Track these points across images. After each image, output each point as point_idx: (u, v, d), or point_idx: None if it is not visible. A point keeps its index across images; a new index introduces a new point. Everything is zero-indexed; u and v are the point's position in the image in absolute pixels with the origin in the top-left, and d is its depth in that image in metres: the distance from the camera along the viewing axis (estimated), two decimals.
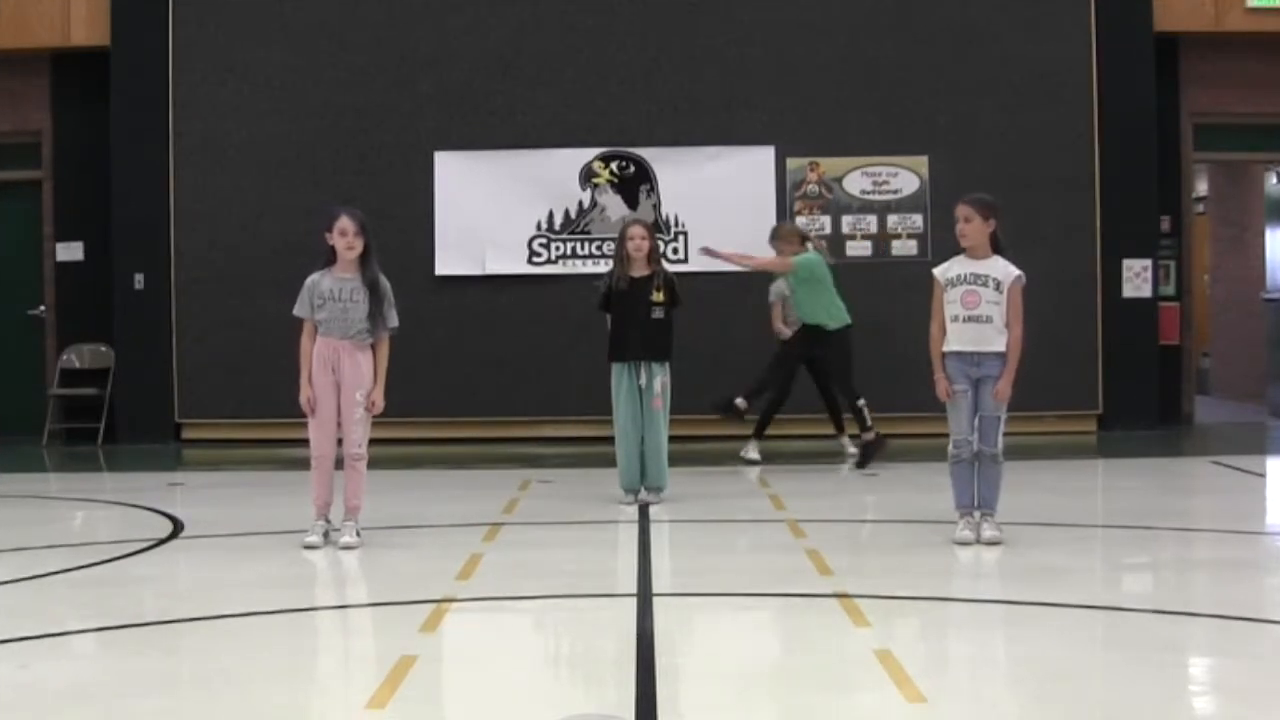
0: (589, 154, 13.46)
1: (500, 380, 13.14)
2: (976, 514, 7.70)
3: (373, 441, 12.05)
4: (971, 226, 7.61)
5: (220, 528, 8.74)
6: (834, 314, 11.19)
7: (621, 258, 9.45)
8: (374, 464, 11.38)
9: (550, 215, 13.48)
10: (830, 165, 13.47)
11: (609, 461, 9.72)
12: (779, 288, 11.97)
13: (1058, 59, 13.33)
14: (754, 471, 10.97)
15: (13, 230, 14.34)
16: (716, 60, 13.44)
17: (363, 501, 7.99)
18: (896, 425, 13.00)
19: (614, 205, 13.43)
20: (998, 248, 7.69)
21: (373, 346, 8.12)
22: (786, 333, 11.86)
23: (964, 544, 7.57)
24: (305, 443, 13.52)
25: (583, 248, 13.44)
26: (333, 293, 8.04)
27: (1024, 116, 13.31)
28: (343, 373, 8.04)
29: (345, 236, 8.05)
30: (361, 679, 5.10)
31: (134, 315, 13.59)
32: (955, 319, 7.61)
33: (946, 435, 7.72)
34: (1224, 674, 5.29)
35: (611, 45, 13.49)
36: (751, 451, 11.53)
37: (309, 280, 8.18)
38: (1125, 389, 13.36)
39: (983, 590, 6.94)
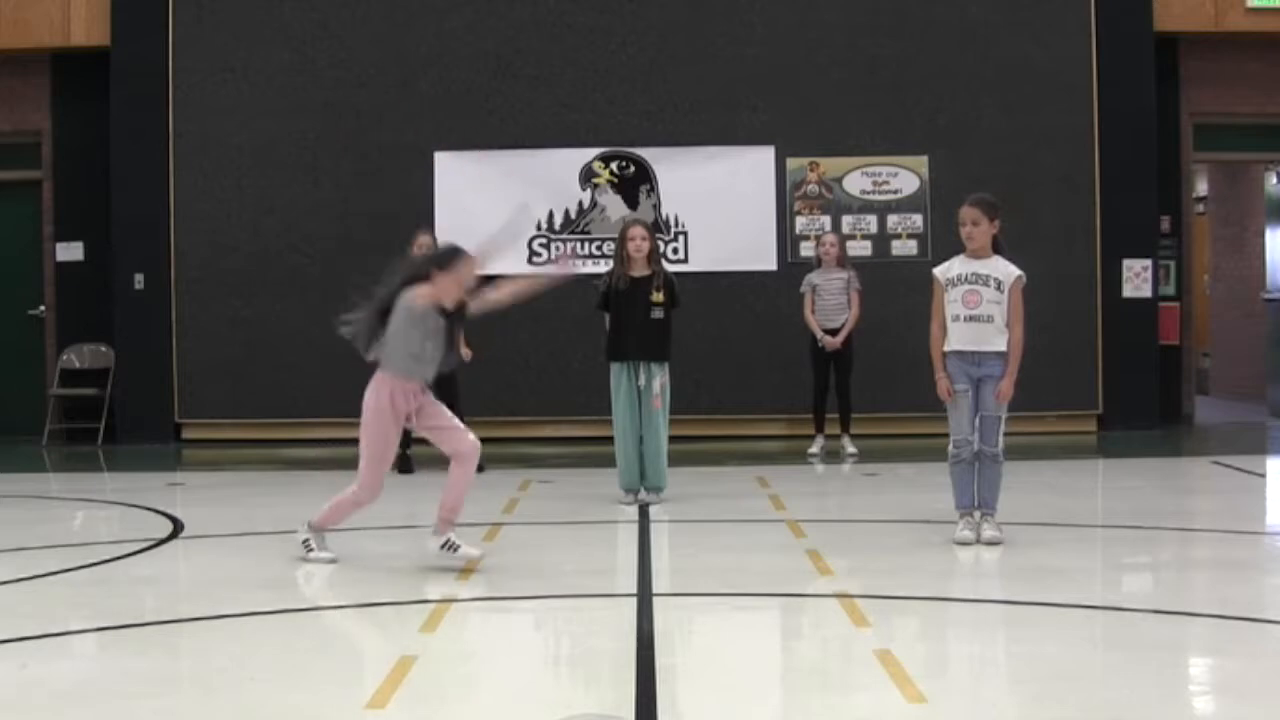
0: (589, 154, 13.47)
1: (500, 380, 13.14)
2: (977, 514, 7.70)
3: None
4: (979, 229, 7.61)
5: (220, 528, 8.74)
6: None
7: (622, 258, 9.46)
8: None
9: (550, 215, 13.48)
10: (830, 165, 13.47)
11: (609, 461, 9.72)
12: (811, 278, 11.94)
13: (1058, 59, 13.33)
14: (754, 471, 10.97)
15: (13, 230, 14.35)
16: (716, 60, 13.44)
17: None
18: (896, 425, 13.03)
19: (614, 205, 13.43)
20: (997, 248, 7.70)
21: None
22: (815, 326, 11.79)
23: (964, 544, 7.57)
24: (304, 443, 13.57)
25: (583, 248, 13.45)
26: (437, 331, 7.21)
27: (1024, 116, 13.31)
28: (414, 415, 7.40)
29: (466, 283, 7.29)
30: (361, 679, 5.10)
31: (134, 315, 13.59)
32: (956, 318, 7.61)
33: (947, 435, 7.73)
34: (1224, 674, 5.29)
35: (611, 45, 13.49)
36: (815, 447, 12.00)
37: (422, 306, 7.11)
38: (1125, 389, 13.36)
39: (983, 590, 6.95)
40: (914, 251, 13.34)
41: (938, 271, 7.74)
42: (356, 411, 14.55)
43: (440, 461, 11.34)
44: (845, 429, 11.94)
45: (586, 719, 4.73)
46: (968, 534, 7.63)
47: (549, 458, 12.09)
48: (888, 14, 13.44)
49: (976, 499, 7.70)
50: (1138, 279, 13.46)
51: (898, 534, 8.16)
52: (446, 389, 11.17)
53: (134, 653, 5.72)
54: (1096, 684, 5.07)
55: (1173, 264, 14.05)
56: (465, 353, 11.15)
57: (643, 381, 9.29)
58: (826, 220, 13.42)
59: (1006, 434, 7.73)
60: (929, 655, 5.67)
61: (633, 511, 8.98)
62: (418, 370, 7.24)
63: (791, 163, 13.47)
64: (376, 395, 7.34)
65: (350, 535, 8.54)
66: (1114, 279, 13.41)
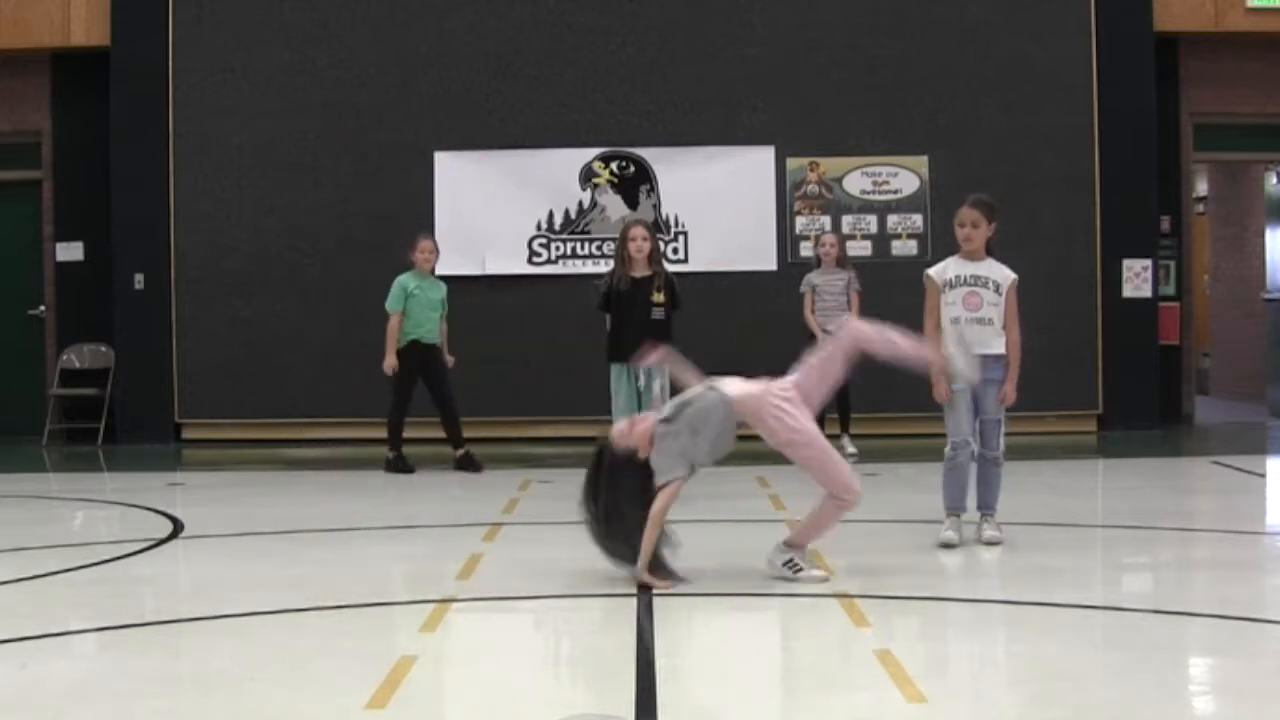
0: (589, 154, 13.47)
1: (500, 380, 13.14)
2: (962, 516, 7.68)
3: (373, 442, 12.13)
4: (979, 231, 7.61)
5: (220, 528, 8.73)
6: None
7: (623, 258, 9.46)
8: (374, 464, 11.43)
9: (550, 215, 13.48)
10: (830, 165, 13.47)
11: None
12: (811, 278, 11.94)
13: (1058, 59, 13.34)
14: (754, 471, 10.95)
15: (13, 230, 14.35)
16: (716, 60, 13.44)
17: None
18: (896, 425, 13.03)
19: (614, 205, 13.44)
20: (988, 249, 7.70)
21: None
22: (815, 326, 11.80)
23: (950, 546, 7.54)
24: (304, 443, 13.57)
25: (583, 248, 13.45)
26: None
27: (1024, 116, 13.31)
28: None
29: None
30: (361, 679, 5.09)
31: (134, 315, 13.60)
32: (956, 320, 7.60)
33: (943, 435, 7.72)
34: (1224, 674, 5.29)
35: (611, 45, 13.49)
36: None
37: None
38: (1125, 389, 13.36)
39: (983, 590, 6.94)
40: (914, 251, 13.34)
41: (933, 273, 7.73)
42: (356, 411, 14.56)
43: (440, 462, 11.38)
44: (845, 429, 11.93)
45: (586, 719, 4.73)
46: (953, 535, 7.61)
47: (549, 458, 12.08)
48: (888, 14, 13.44)
49: (979, 500, 7.70)
50: (1138, 279, 13.46)
51: (898, 534, 8.15)
52: (439, 391, 11.22)
53: (134, 653, 5.72)
54: (1096, 684, 5.07)
55: (1173, 264, 14.05)
56: (448, 359, 11.22)
57: (642, 383, 9.29)
58: (826, 220, 13.42)
59: (1006, 434, 7.73)
60: (929, 655, 5.66)
61: None
62: None
63: (791, 163, 13.47)
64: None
65: (350, 535, 8.55)
66: (1114, 279, 13.41)
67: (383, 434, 11.43)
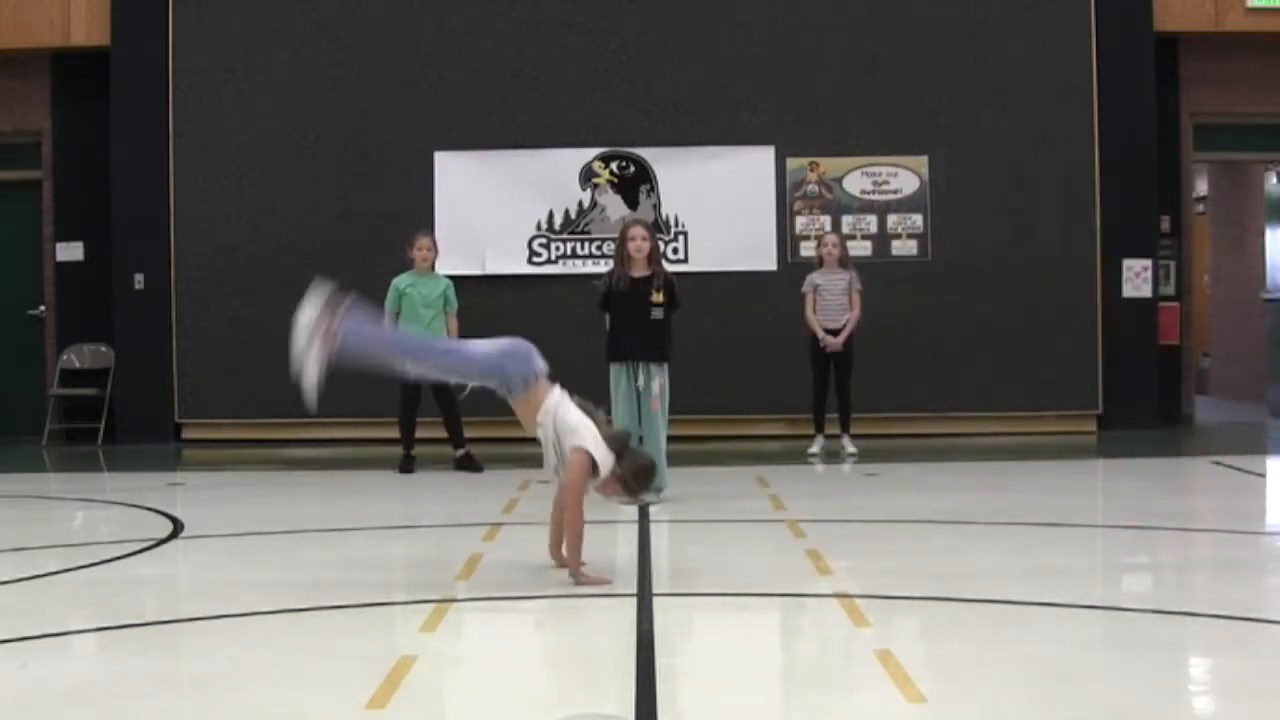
0: (589, 154, 13.47)
1: None
2: None
3: (373, 442, 12.12)
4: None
5: (220, 528, 8.74)
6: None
7: (622, 258, 9.46)
8: (374, 464, 11.43)
9: (550, 215, 13.48)
10: (830, 165, 13.47)
11: None
12: (813, 278, 11.93)
13: (1058, 59, 13.34)
14: (754, 471, 10.96)
15: (13, 230, 14.34)
16: (716, 60, 13.44)
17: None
18: (896, 425, 13.01)
19: (614, 205, 13.43)
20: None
21: None
22: (817, 326, 11.78)
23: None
24: (304, 443, 13.59)
25: (583, 248, 13.45)
26: None
27: (1024, 116, 13.31)
28: None
29: None
30: (361, 679, 5.09)
31: (134, 315, 13.59)
32: None
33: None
34: (1224, 674, 5.29)
35: (611, 45, 13.49)
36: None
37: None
38: (1125, 389, 13.36)
39: (983, 590, 6.93)
40: (914, 251, 13.33)
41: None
42: (356, 411, 14.63)
43: (441, 462, 11.38)
44: (845, 429, 11.93)
45: (586, 719, 4.73)
46: None
47: None
48: (888, 14, 13.44)
49: None
50: (1138, 279, 13.46)
51: (898, 534, 8.16)
52: (441, 391, 11.21)
53: (134, 653, 5.71)
54: (1096, 684, 5.07)
55: (1173, 264, 14.04)
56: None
57: (642, 382, 9.29)
58: (826, 220, 13.41)
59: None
60: (929, 655, 5.66)
61: (633, 511, 8.97)
62: None
63: (791, 163, 13.47)
64: None
65: (350, 535, 8.55)
66: (1114, 279, 13.41)
67: (382, 433, 11.45)
